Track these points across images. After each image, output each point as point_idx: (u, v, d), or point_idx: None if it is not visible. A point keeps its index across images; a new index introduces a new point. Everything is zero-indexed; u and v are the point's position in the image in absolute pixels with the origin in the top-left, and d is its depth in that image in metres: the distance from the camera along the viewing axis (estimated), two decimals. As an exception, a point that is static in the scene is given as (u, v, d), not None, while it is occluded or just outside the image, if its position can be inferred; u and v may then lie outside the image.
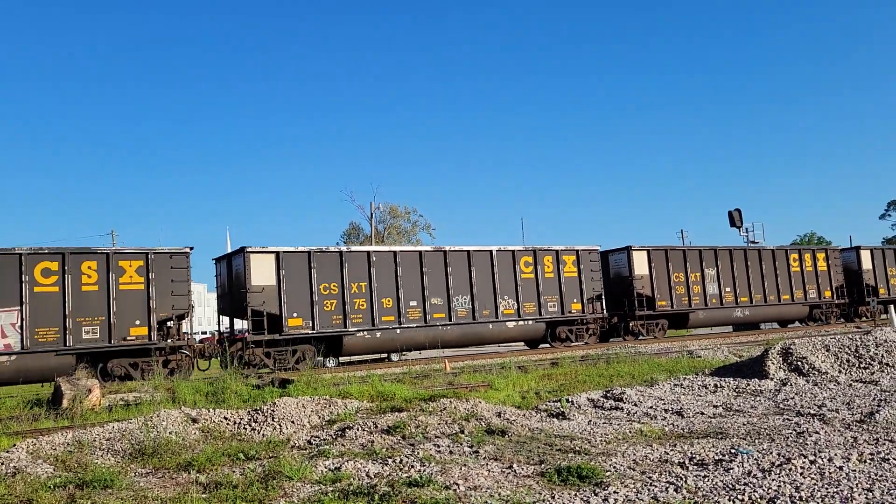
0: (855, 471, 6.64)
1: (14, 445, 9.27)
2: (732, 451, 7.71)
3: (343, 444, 9.09)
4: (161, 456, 8.71)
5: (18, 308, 17.98)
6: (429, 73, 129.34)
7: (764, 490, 6.17)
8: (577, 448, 8.37)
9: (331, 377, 16.40)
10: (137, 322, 19.17)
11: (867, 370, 13.70)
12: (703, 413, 10.61)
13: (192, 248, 20.08)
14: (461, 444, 8.80)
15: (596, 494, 6.32)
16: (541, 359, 20.61)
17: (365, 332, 22.50)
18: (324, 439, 9.52)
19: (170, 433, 9.70)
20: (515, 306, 25.28)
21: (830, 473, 6.58)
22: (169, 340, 19.68)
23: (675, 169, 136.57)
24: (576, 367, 17.05)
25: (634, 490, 6.37)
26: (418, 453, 8.25)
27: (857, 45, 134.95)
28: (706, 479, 6.61)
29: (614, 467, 7.28)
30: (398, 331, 23.08)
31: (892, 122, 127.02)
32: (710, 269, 30.02)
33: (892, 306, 31.49)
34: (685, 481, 6.57)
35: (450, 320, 23.98)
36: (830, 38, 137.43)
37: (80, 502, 6.65)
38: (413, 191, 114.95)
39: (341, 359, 24.32)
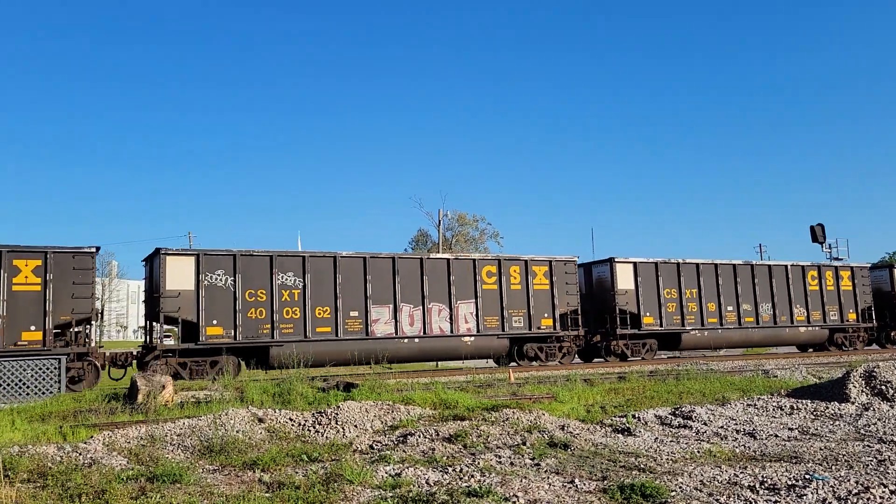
0: (942, 504, 6.24)
1: (91, 437, 9.66)
2: (807, 476, 7.36)
3: (404, 451, 9.10)
4: (228, 454, 8.92)
5: (474, 300, 23.88)
6: (500, 80, 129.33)
7: (840, 519, 5.86)
8: (642, 466, 8.15)
9: (395, 383, 16.51)
10: (546, 315, 24.90)
11: (958, 397, 12.88)
12: (776, 435, 10.18)
13: (578, 257, 26.24)
14: (522, 456, 8.70)
15: (660, 515, 6.13)
16: (607, 372, 20.24)
17: (696, 331, 27.79)
18: (385, 444, 9.56)
19: (237, 432, 9.94)
20: (805, 314, 30.21)
21: (914, 506, 6.20)
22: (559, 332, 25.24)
23: (754, 181, 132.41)
24: (643, 383, 16.64)
25: (701, 512, 6.15)
26: (479, 463, 8.20)
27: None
28: (778, 505, 6.32)
29: (680, 487, 7.05)
30: (719, 331, 28.25)
31: None
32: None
33: None
34: (755, 506, 6.30)
35: (757, 324, 29.03)
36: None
37: (150, 495, 6.85)
38: (481, 198, 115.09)
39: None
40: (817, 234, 37.00)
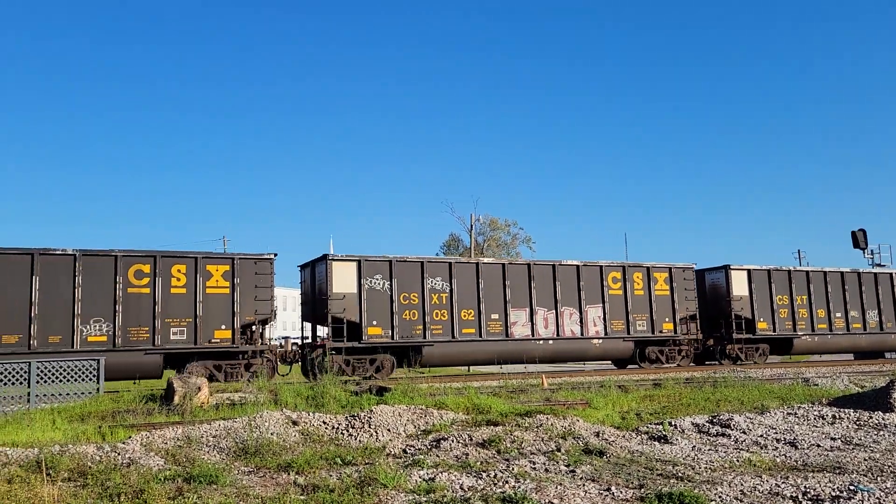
0: None
1: (129, 437, 9.80)
2: (851, 487, 7.17)
3: (438, 455, 9.07)
4: (262, 455, 8.97)
5: (601, 305, 25.16)
6: (530, 84, 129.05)
7: (889, 533, 5.68)
8: (680, 474, 8.01)
9: (427, 387, 16.46)
10: (666, 319, 26.21)
11: None
12: (818, 445, 9.94)
13: (695, 264, 27.36)
14: (557, 463, 8.61)
15: (700, 524, 6.01)
16: (642, 379, 19.98)
17: (807, 337, 28.72)
18: (419, 449, 9.54)
19: (271, 434, 10.00)
20: None
21: (967, 520, 5.99)
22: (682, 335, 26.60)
23: (791, 184, 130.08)
24: (679, 390, 16.37)
25: (742, 523, 6.01)
26: (513, 469, 8.13)
27: None
28: (822, 517, 6.15)
29: (720, 497, 6.91)
30: (829, 337, 29.19)
31: None
32: None
33: None
34: (799, 517, 6.14)
35: (864, 330, 29.80)
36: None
37: (187, 496, 6.92)
38: (513, 203, 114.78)
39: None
40: (859, 240, 36.21)
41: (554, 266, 24.87)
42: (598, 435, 10.23)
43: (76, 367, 17.20)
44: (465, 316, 23.22)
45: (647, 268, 26.24)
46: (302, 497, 7.01)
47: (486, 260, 24.21)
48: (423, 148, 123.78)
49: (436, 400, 13.34)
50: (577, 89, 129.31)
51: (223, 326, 20.26)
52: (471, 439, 9.84)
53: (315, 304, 23.02)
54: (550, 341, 24.36)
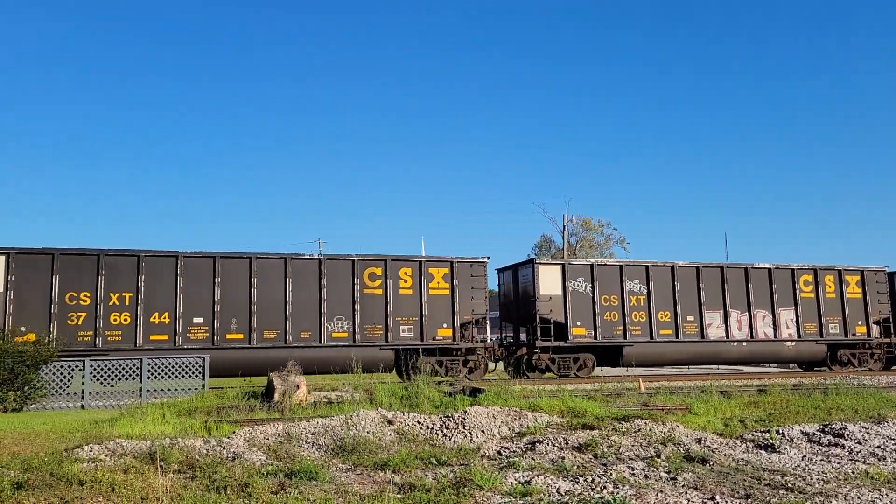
0: None
1: (234, 433, 10.18)
2: None
3: (532, 458, 8.98)
4: (359, 454, 9.13)
5: (793, 307, 25.52)
6: (620, 84, 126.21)
7: None
8: (790, 485, 7.61)
9: (520, 389, 16.35)
10: (859, 322, 26.35)
11: None
12: (944, 458, 9.23)
13: (887, 267, 27.37)
14: (657, 469, 8.35)
15: (814, 539, 5.67)
16: (746, 384, 19.17)
17: None
18: (513, 451, 9.47)
19: (367, 433, 10.17)
20: None
21: None
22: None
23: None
24: (786, 396, 15.59)
25: (861, 539, 5.64)
26: (611, 474, 7.94)
27: None
28: (953, 536, 5.70)
29: (835, 511, 6.51)
30: None
31: None
32: None
33: None
34: (926, 536, 5.71)
35: None
36: None
37: (289, 491, 7.11)
38: (607, 203, 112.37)
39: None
40: None
41: (746, 269, 25.29)
42: (699, 441, 9.87)
43: (184, 363, 18.08)
44: (661, 317, 24.03)
45: (839, 270, 26.36)
46: (399, 496, 7.08)
47: (681, 263, 24.76)
48: (516, 148, 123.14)
49: (530, 402, 13.23)
50: (670, 85, 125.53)
51: (444, 325, 21.99)
52: (566, 443, 9.69)
53: (518, 306, 24.37)
54: (745, 343, 24.80)
